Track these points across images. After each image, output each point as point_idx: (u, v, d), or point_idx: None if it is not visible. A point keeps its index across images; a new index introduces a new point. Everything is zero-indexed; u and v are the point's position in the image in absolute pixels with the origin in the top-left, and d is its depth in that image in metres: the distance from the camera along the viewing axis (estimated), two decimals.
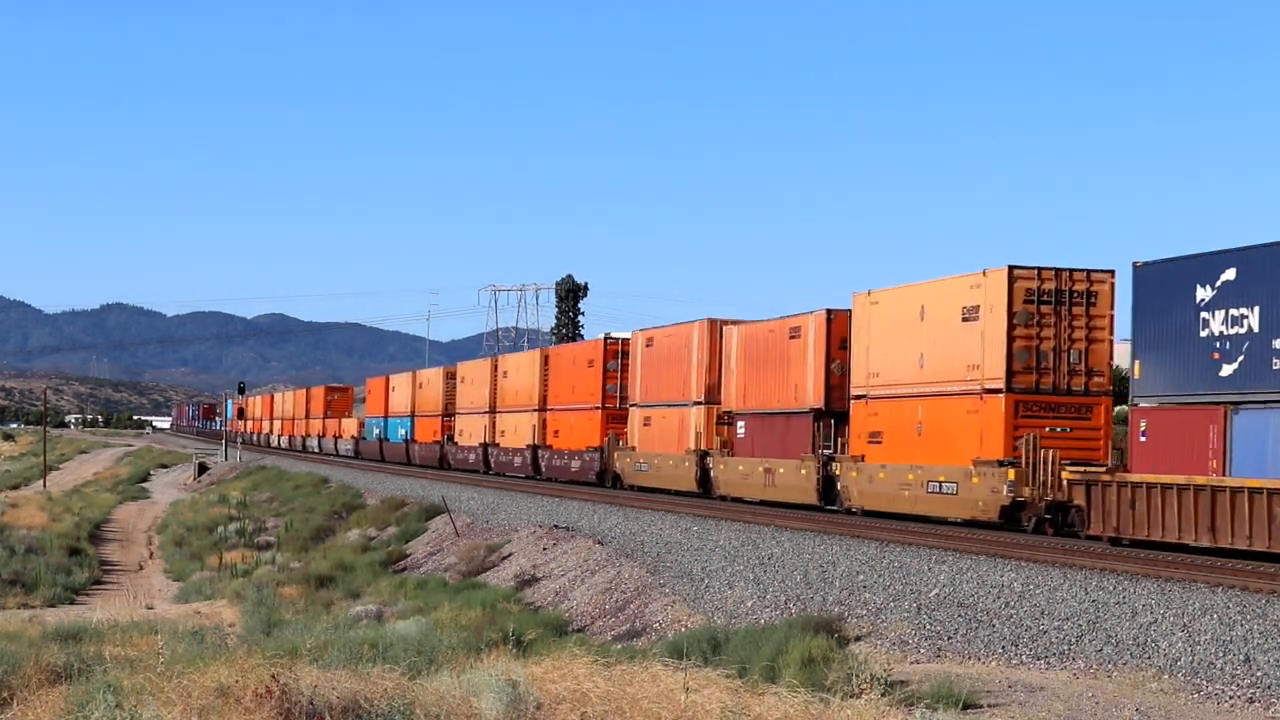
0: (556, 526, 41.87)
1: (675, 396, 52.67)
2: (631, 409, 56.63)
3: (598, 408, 59.66)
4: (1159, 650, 20.09)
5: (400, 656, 19.94)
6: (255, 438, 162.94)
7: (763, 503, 45.64)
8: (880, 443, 40.13)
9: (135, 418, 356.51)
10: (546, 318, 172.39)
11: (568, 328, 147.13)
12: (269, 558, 53.55)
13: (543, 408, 67.06)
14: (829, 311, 43.18)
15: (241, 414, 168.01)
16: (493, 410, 75.07)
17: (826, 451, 42.82)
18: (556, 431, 65.06)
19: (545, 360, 68.02)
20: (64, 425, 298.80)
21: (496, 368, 76.05)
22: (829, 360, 42.97)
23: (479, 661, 19.19)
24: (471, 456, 78.30)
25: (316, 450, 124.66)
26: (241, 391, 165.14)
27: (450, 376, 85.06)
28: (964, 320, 37.01)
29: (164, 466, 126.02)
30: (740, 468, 47.44)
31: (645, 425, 55.26)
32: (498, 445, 73.69)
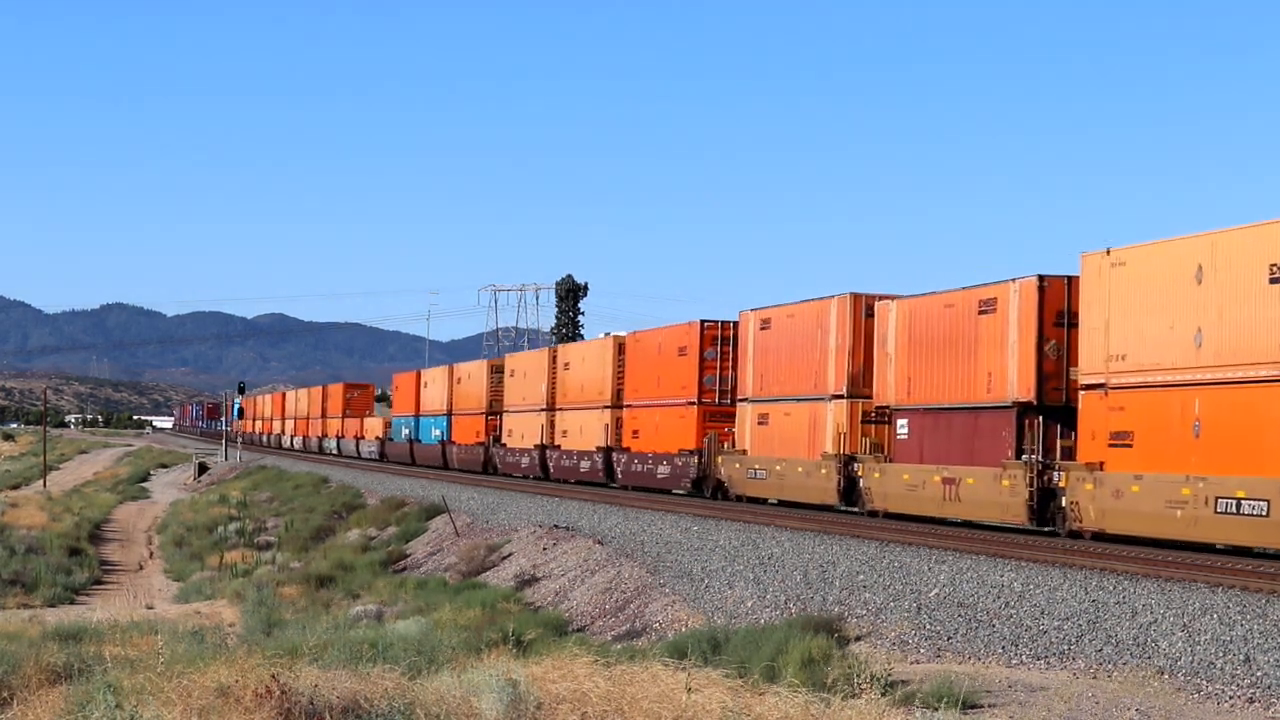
0: (557, 526, 41.88)
1: (804, 389, 44.08)
2: (741, 405, 48.20)
3: (692, 403, 51.38)
4: (1159, 650, 20.09)
5: (400, 656, 19.93)
6: (266, 439, 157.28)
7: (937, 520, 37.81)
8: (1130, 446, 31.29)
9: (135, 418, 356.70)
10: (546, 318, 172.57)
11: (568, 328, 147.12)
12: (269, 558, 53.55)
13: (617, 404, 58.75)
14: (1041, 278, 34.81)
15: (241, 414, 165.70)
16: (551, 407, 66.40)
17: (1038, 457, 34.18)
18: (636, 432, 56.45)
19: (620, 349, 59.12)
20: (64, 425, 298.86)
21: (555, 359, 67.29)
22: (1041, 340, 34.56)
23: (479, 661, 19.19)
24: (524, 460, 69.19)
25: (335, 452, 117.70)
26: (242, 391, 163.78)
27: (496, 370, 76.82)
28: (1275, 281, 27.84)
29: (164, 466, 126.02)
30: (905, 477, 38.85)
31: (761, 424, 46.63)
32: (558, 448, 64.83)
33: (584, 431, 61.78)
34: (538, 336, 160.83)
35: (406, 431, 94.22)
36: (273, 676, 16.23)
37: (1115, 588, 24.03)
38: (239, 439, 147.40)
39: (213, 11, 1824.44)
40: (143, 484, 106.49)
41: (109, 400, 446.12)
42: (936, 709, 17.05)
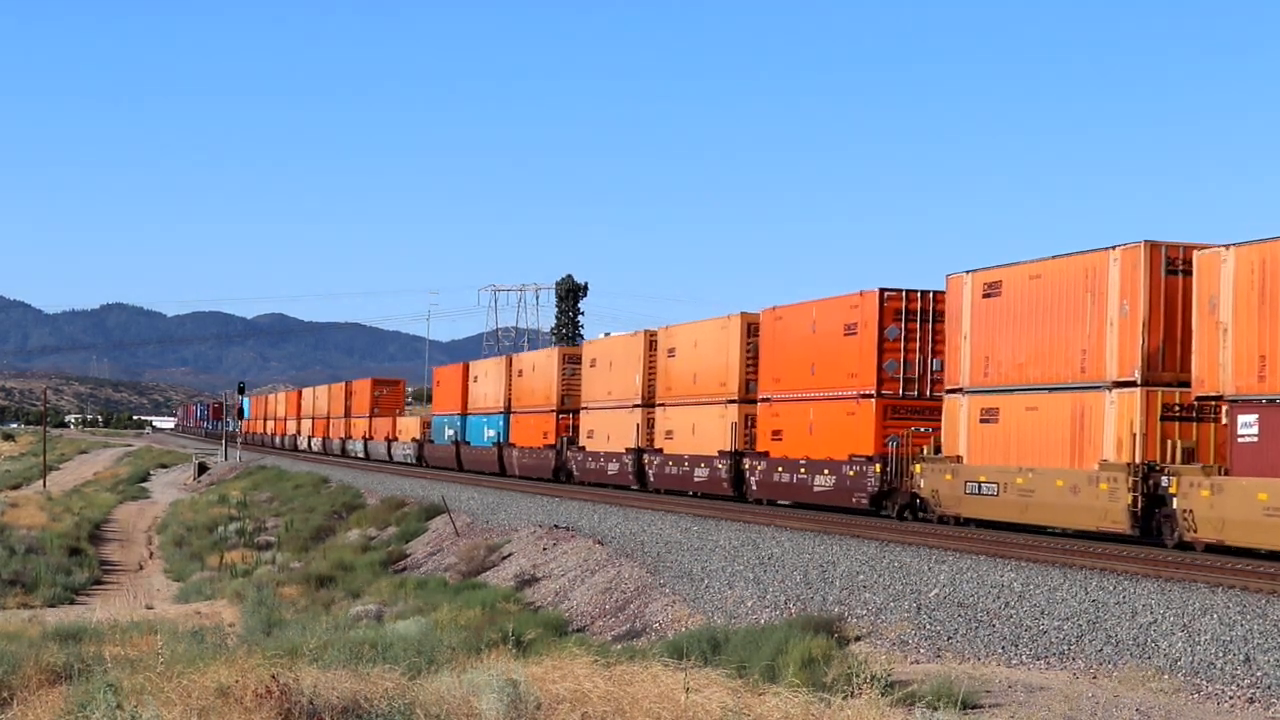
0: (556, 526, 41.88)
1: (1062, 374, 34.03)
2: (952, 397, 37.83)
3: (868, 395, 40.75)
4: (1159, 650, 20.09)
5: (400, 656, 19.93)
6: (279, 440, 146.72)
7: None
8: None
9: (135, 418, 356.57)
10: (546, 318, 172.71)
11: (568, 328, 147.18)
12: (269, 558, 53.56)
13: (747, 398, 48.18)
14: None
15: (241, 413, 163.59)
16: (648, 403, 55.83)
17: None
18: (777, 433, 45.59)
19: (750, 330, 48.48)
20: (64, 425, 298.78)
21: (655, 345, 56.00)
22: None
23: (479, 661, 19.19)
24: (613, 466, 57.87)
25: (362, 455, 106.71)
26: (242, 391, 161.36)
27: (571, 360, 65.96)
28: None
29: (164, 466, 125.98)
30: (1262, 497, 27.68)
31: (986, 422, 36.44)
32: (659, 452, 54.10)
33: (698, 432, 51.04)
34: (538, 337, 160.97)
35: (451, 432, 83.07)
36: (273, 676, 16.23)
37: (1115, 588, 24.03)
38: (240, 440, 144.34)
39: (213, 11, 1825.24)
40: (143, 484, 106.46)
41: (109, 400, 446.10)
42: (936, 709, 17.04)
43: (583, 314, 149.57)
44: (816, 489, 42.79)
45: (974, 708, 17.67)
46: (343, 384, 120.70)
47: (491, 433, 75.52)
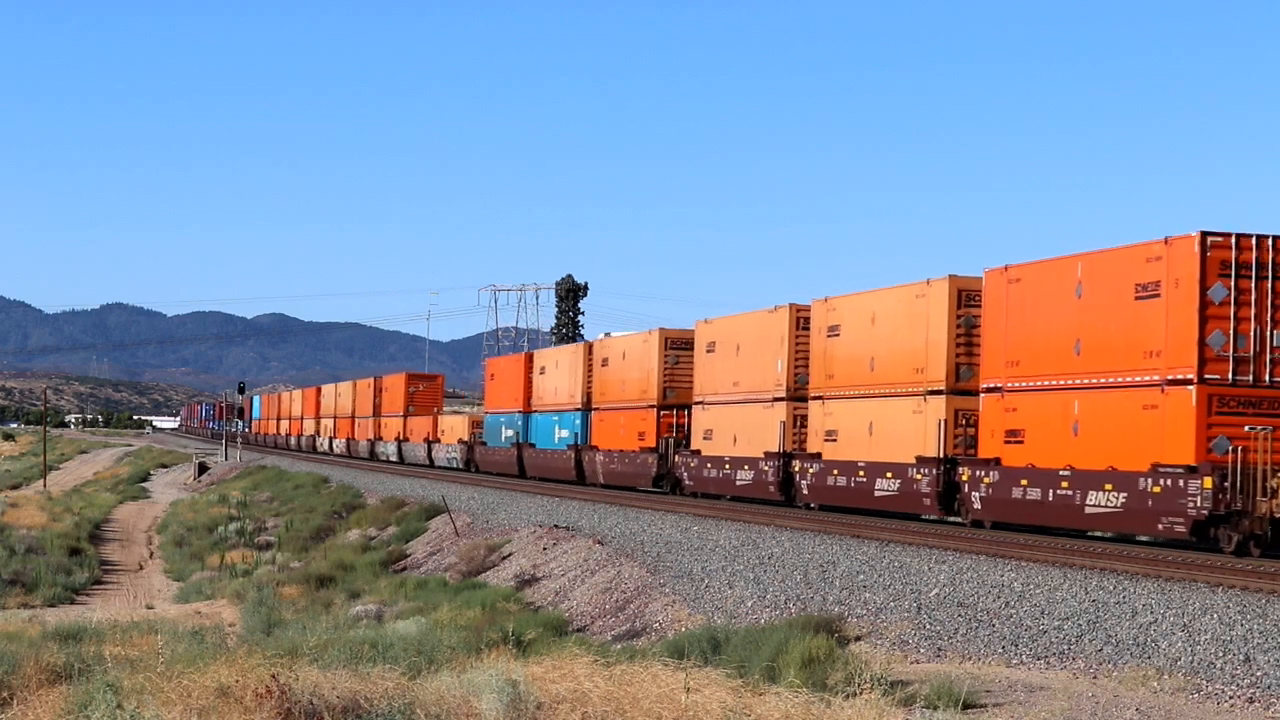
0: (556, 526, 41.86)
1: None
2: None
3: (1183, 381, 29.94)
4: (1159, 650, 20.08)
5: (400, 656, 19.93)
6: (294, 442, 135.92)
7: None
8: None
9: (135, 418, 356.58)
10: (546, 318, 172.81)
11: (568, 328, 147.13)
12: (269, 557, 53.55)
13: (958, 387, 37.23)
14: None
15: (241, 413, 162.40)
16: (797, 396, 44.28)
17: None
18: (1016, 433, 34.87)
19: (961, 298, 37.27)
20: (64, 425, 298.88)
21: (803, 322, 44.32)
22: None
23: (479, 661, 19.18)
24: (744, 475, 46.47)
25: (395, 459, 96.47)
26: (242, 391, 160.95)
27: (677, 345, 53.95)
28: None
29: (164, 466, 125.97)
30: None
31: None
32: (814, 457, 42.40)
33: (880, 431, 39.81)
34: (538, 337, 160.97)
35: (510, 433, 71.06)
36: (273, 676, 16.23)
37: (1115, 588, 24.03)
38: (249, 442, 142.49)
39: (213, 11, 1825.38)
40: (143, 484, 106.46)
41: (109, 400, 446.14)
42: (937, 709, 17.05)
43: (583, 314, 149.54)
44: (1092, 510, 31.59)
45: (974, 708, 17.67)
46: (371, 379, 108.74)
47: (565, 433, 63.38)
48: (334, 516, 61.14)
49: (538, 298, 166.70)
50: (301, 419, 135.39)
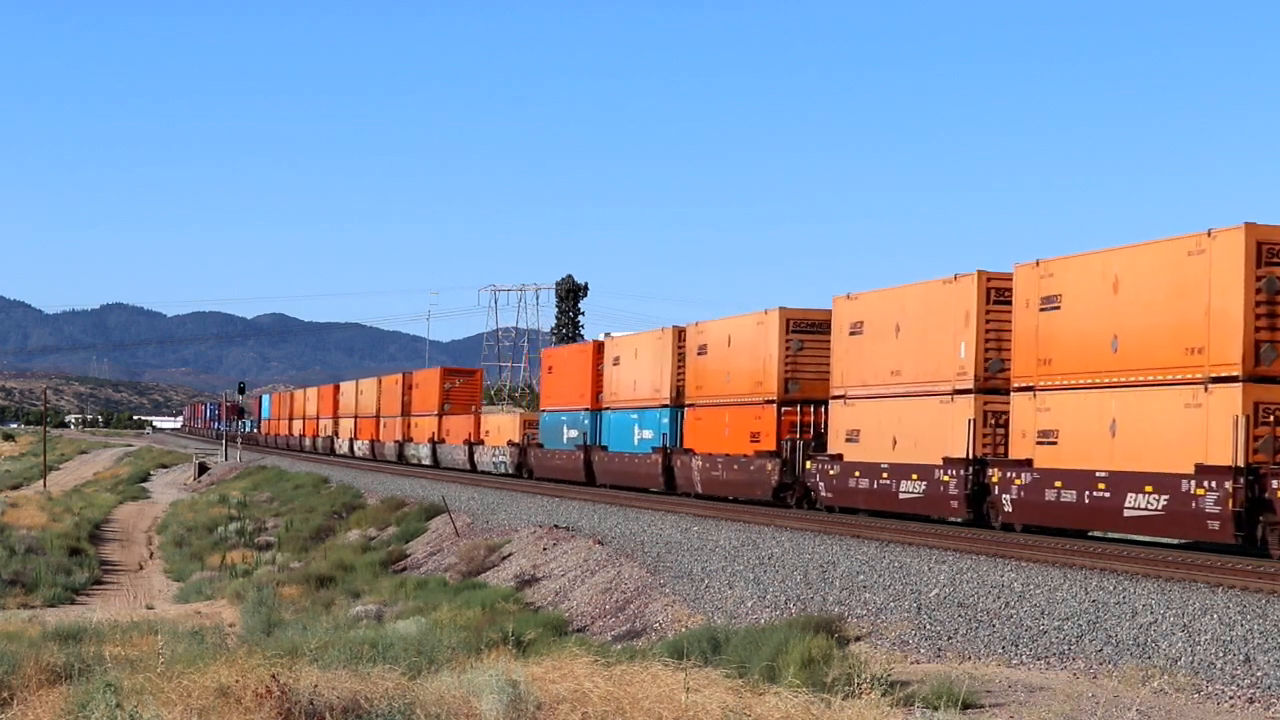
0: (556, 526, 41.87)
1: None
2: None
3: None
4: (1159, 650, 20.09)
5: (400, 656, 19.94)
6: (309, 443, 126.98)
7: None
8: None
9: (135, 418, 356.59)
10: (546, 318, 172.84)
11: (568, 328, 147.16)
12: (269, 558, 53.57)
13: (1260, 373, 28.35)
14: None
15: (243, 412, 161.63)
16: (989, 388, 35.56)
17: None
18: None
19: (1261, 253, 28.35)
20: (64, 425, 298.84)
21: (999, 294, 35.62)
22: None
23: (479, 661, 19.19)
24: (911, 487, 37.26)
25: (429, 462, 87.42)
26: (242, 391, 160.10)
27: (801, 327, 44.56)
28: None
29: (164, 466, 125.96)
30: None
31: None
32: (1026, 467, 33.58)
33: (1131, 430, 30.73)
34: (538, 337, 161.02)
35: (575, 434, 61.96)
36: (273, 676, 16.23)
37: (1115, 588, 24.03)
38: (238, 441, 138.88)
39: (213, 11, 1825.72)
40: (143, 484, 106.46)
41: (109, 400, 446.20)
42: (937, 709, 17.05)
43: (583, 314, 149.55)
44: None
45: (974, 708, 17.67)
46: (399, 375, 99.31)
47: (648, 434, 54.46)
48: (334, 517, 61.15)
49: (538, 298, 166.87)
50: (317, 419, 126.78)
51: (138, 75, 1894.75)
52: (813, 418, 44.06)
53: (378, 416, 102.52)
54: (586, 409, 60.67)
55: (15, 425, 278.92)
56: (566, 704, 16.23)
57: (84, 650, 24.18)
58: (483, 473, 75.24)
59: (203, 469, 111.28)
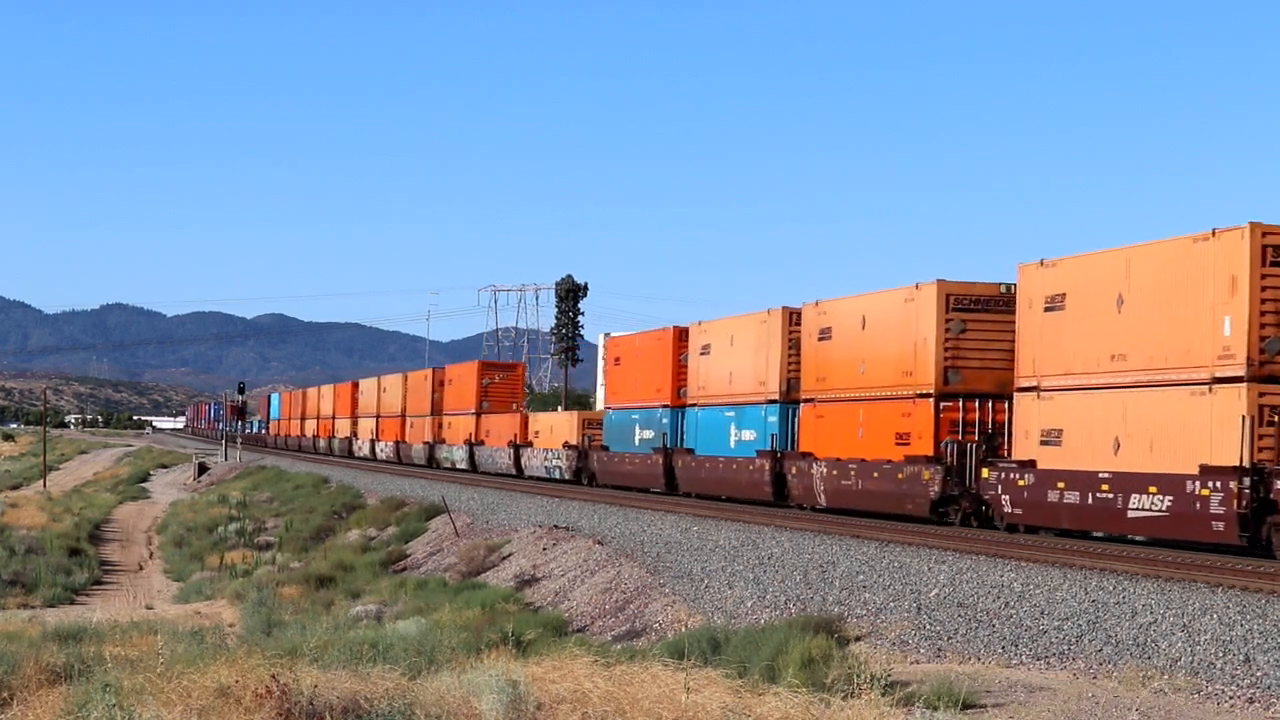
0: (556, 526, 41.87)
1: None
2: None
3: None
4: (1159, 650, 20.09)
5: (400, 657, 19.95)
6: (325, 445, 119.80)
7: None
8: None
9: (135, 418, 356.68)
10: (546, 318, 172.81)
11: (568, 328, 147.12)
12: (269, 558, 53.58)
13: None
14: None
15: (243, 412, 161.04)
16: (1263, 375, 27.84)
17: None
18: None
19: None
20: (64, 425, 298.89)
21: (1269, 252, 27.73)
22: None
23: (479, 662, 19.19)
24: (1146, 504, 29.36)
25: (464, 466, 79.84)
26: (241, 392, 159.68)
27: (965, 304, 37.13)
28: None
29: (164, 467, 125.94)
30: None
31: None
32: None
33: None
34: (538, 337, 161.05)
35: (650, 434, 54.83)
36: (273, 677, 16.23)
37: (1115, 588, 24.03)
38: (236, 441, 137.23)
39: (213, 11, 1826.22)
40: (143, 484, 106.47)
41: (109, 400, 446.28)
42: (936, 709, 17.05)
43: (583, 314, 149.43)
44: None
45: (974, 708, 17.67)
46: (428, 371, 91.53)
47: (749, 435, 46.87)
48: (334, 517, 61.16)
49: (538, 298, 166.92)
50: (333, 419, 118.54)
51: (138, 75, 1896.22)
52: (977, 414, 36.72)
53: (403, 416, 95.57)
54: (665, 405, 53.45)
55: (15, 425, 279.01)
56: (566, 704, 16.23)
57: (84, 650, 24.19)
58: (533, 479, 67.81)
59: (203, 469, 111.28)
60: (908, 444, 37.61)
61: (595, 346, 72.03)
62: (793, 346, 44.86)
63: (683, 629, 26.21)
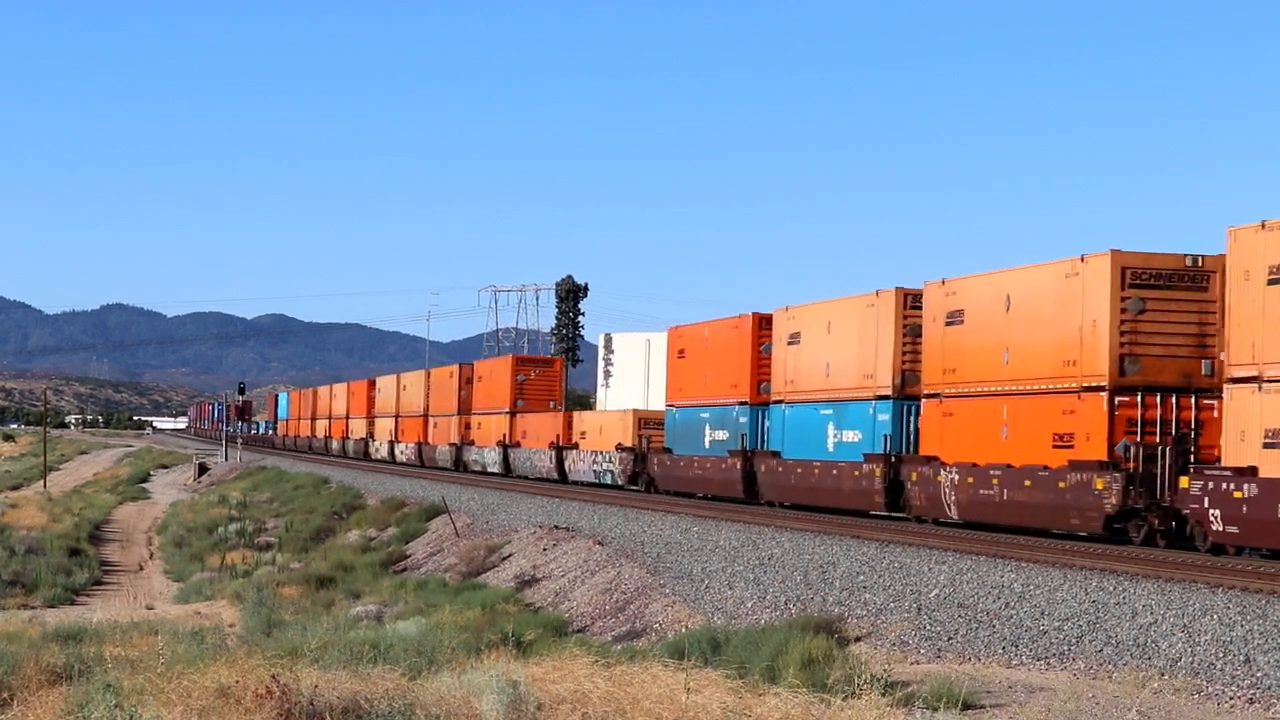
0: (557, 527, 41.88)
1: None
2: None
3: None
4: (1159, 650, 20.09)
5: (400, 657, 19.96)
6: (337, 446, 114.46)
7: None
8: None
9: (135, 418, 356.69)
10: (546, 318, 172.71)
11: (568, 328, 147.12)
12: (269, 558, 53.59)
13: None
14: None
15: (243, 412, 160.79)
16: None
17: None
18: None
19: None
20: (64, 426, 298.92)
21: None
22: None
23: (479, 662, 19.20)
24: None
25: (497, 470, 74.00)
26: (241, 392, 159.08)
27: (1146, 278, 31.75)
28: None
29: (164, 467, 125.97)
30: None
31: None
32: None
33: None
34: (538, 337, 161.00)
35: (724, 435, 48.85)
36: (273, 677, 16.24)
37: (1115, 588, 24.04)
38: (235, 442, 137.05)
39: (213, 11, 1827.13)
40: (143, 484, 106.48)
41: (109, 401, 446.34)
42: (937, 709, 17.05)
43: (583, 314, 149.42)
44: None
45: (974, 708, 17.67)
46: (453, 367, 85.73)
47: (853, 435, 40.98)
48: (334, 517, 61.17)
49: (538, 298, 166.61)
50: (347, 419, 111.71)
51: (138, 75, 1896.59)
52: (1159, 411, 31.34)
53: (426, 415, 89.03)
54: (743, 402, 47.56)
55: (15, 426, 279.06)
56: (566, 704, 16.24)
57: (84, 651, 24.22)
58: (578, 483, 62.35)
59: (203, 469, 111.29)
60: (1070, 446, 31.99)
61: (595, 347, 70.95)
62: (909, 333, 39.26)
63: (683, 629, 26.21)
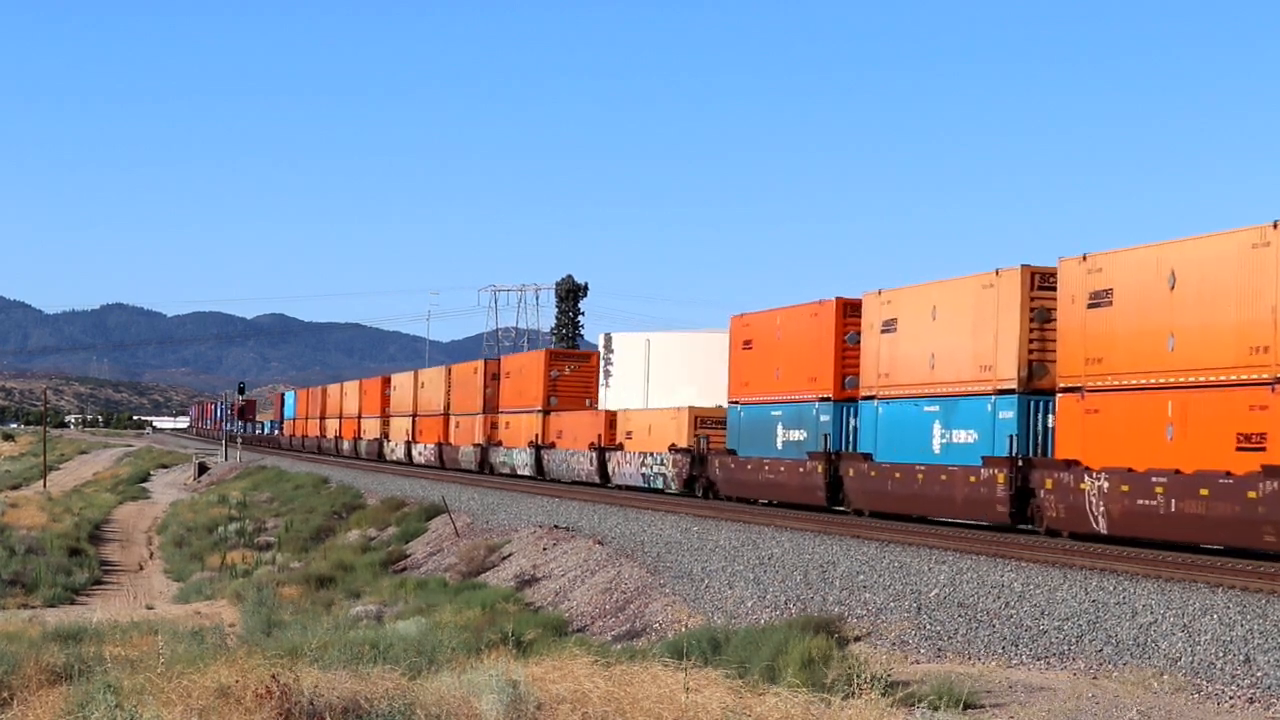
0: (556, 527, 41.88)
1: None
2: None
3: None
4: (1159, 650, 20.09)
5: (400, 657, 19.96)
6: (349, 447, 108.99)
7: None
8: None
9: (135, 418, 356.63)
10: (546, 318, 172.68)
11: (568, 328, 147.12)
12: (269, 558, 53.59)
13: None
14: None
15: (244, 412, 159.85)
16: None
17: None
18: None
19: None
20: (64, 425, 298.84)
21: None
22: None
23: (479, 662, 19.20)
24: None
25: (528, 473, 68.42)
26: (242, 392, 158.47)
27: None
28: None
29: (164, 467, 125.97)
30: None
31: None
32: None
33: None
34: (538, 337, 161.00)
35: (800, 435, 43.71)
36: (273, 677, 16.24)
37: (1115, 588, 24.04)
38: (241, 442, 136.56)
39: (213, 11, 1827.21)
40: (143, 484, 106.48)
41: (109, 400, 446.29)
42: (937, 709, 17.05)
43: (583, 314, 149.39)
44: None
45: (974, 708, 17.67)
46: (477, 363, 79.86)
47: (966, 435, 36.21)
48: (334, 517, 61.17)
49: (538, 298, 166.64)
50: (359, 418, 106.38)
51: (138, 75, 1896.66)
52: None
53: (446, 414, 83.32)
54: (825, 398, 42.18)
55: (15, 425, 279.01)
56: (566, 704, 16.24)
57: (84, 650, 24.21)
58: (624, 487, 57.09)
59: (203, 469, 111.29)
60: (1261, 448, 26.95)
61: (595, 347, 70.83)
62: (1037, 317, 34.41)
63: (683, 629, 26.21)
